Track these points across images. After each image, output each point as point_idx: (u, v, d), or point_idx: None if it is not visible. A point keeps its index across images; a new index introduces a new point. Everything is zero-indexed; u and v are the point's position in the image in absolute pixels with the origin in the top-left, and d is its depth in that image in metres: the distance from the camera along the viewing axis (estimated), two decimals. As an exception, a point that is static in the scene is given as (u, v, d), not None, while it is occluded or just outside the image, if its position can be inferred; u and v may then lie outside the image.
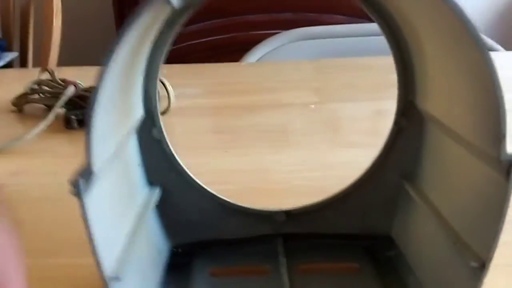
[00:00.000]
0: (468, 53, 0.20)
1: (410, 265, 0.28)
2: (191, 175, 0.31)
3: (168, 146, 0.30)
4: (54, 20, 1.20)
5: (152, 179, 0.30)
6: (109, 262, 0.21)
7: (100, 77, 0.19)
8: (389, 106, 0.66)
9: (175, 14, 0.25)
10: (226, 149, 0.52)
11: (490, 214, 0.22)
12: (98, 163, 0.20)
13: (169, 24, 0.26)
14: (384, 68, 0.76)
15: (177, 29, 0.27)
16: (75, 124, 0.54)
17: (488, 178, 0.22)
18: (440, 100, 0.26)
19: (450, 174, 0.26)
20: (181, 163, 0.31)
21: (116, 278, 0.21)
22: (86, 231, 0.20)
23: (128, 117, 0.26)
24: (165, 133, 0.30)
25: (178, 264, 0.30)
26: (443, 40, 0.23)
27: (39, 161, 0.49)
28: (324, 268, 0.30)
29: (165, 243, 0.31)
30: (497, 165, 0.21)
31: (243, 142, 0.54)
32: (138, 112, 0.28)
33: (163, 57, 0.28)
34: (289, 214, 0.32)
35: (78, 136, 0.54)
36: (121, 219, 0.25)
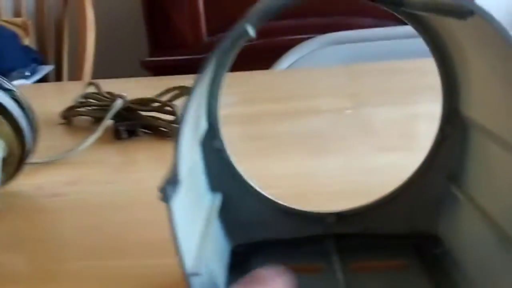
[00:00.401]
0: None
1: (457, 261, 0.30)
2: (249, 181, 0.33)
3: (227, 155, 0.33)
4: (88, 32, 1.24)
5: (214, 185, 0.33)
6: (188, 260, 0.24)
7: (189, 98, 0.21)
8: (424, 109, 0.67)
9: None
10: (266, 155, 0.54)
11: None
12: (182, 173, 0.23)
13: (233, 43, 0.28)
14: (417, 71, 0.78)
15: (240, 46, 0.29)
16: (125, 135, 0.57)
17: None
18: (484, 108, 0.28)
19: (495, 175, 0.28)
20: (239, 170, 0.33)
21: (196, 274, 0.24)
22: (171, 233, 0.23)
23: (197, 130, 0.29)
24: (225, 143, 0.33)
25: (238, 263, 0.33)
26: (487, 56, 0.25)
27: (93, 171, 0.52)
28: (374, 265, 0.33)
29: (227, 244, 0.33)
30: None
31: (282, 148, 0.56)
32: (203, 125, 0.31)
33: (225, 74, 0.31)
34: (340, 216, 0.34)
35: (127, 147, 0.57)
36: (194, 222, 0.27)
